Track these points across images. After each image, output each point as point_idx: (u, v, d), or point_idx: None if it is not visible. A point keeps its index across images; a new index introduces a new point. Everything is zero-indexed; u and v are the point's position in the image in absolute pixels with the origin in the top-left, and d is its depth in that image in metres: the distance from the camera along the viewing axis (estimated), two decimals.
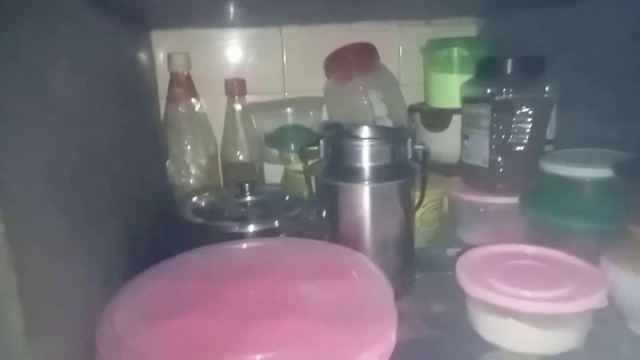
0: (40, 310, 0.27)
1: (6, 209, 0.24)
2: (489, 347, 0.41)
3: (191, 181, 0.70)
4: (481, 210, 0.62)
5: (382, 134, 0.52)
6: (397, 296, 0.35)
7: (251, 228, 0.50)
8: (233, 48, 0.78)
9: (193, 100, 0.71)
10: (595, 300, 0.39)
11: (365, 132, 0.52)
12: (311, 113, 0.75)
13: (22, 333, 0.25)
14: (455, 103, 0.70)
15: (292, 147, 0.72)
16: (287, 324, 0.32)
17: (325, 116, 0.77)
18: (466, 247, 0.50)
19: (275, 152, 0.74)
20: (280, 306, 0.34)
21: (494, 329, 0.42)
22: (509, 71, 0.61)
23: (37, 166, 0.30)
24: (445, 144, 0.72)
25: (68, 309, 0.32)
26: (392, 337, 0.32)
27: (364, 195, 0.48)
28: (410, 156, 0.50)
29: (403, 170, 0.49)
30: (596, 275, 0.42)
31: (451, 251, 0.61)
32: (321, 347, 0.29)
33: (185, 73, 0.70)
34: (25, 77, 0.30)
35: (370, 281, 0.37)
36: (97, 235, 0.40)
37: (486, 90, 0.61)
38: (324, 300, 0.36)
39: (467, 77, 0.68)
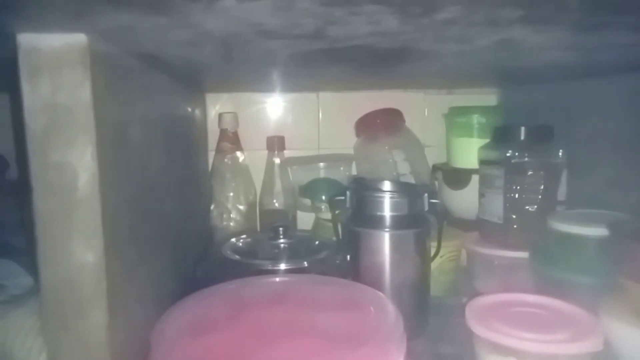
0: (118, 311, 0.34)
1: (105, 232, 0.32)
2: None
3: (231, 224, 0.78)
4: (495, 262, 0.66)
5: (401, 188, 0.58)
6: (411, 337, 0.38)
7: (282, 266, 0.56)
8: (275, 109, 0.88)
9: (238, 153, 0.81)
10: (591, 344, 0.42)
11: (386, 186, 0.59)
12: (342, 168, 0.83)
13: (106, 327, 0.32)
14: (474, 164, 0.75)
15: (323, 197, 0.78)
16: (304, 344, 0.36)
17: (354, 171, 0.85)
18: (475, 295, 0.54)
19: (307, 201, 0.81)
20: (300, 329, 0.39)
21: None
22: (521, 137, 0.67)
23: (123, 202, 0.38)
24: (465, 201, 0.78)
25: (135, 314, 0.39)
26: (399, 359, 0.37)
27: (384, 241, 0.54)
28: (426, 209, 0.56)
29: (419, 220, 0.55)
30: (592, 322, 0.46)
31: (466, 300, 0.65)
32: None
33: (233, 130, 0.80)
34: (114, 133, 0.38)
35: (383, 314, 0.42)
36: (155, 261, 0.48)
37: (501, 154, 0.67)
38: (340, 327, 0.40)
39: (484, 141, 0.74)
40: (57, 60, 0.31)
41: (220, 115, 0.81)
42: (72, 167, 0.32)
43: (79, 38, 0.31)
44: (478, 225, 0.72)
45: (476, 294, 0.66)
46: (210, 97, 0.85)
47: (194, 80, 0.69)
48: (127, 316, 0.37)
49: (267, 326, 0.40)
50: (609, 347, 0.45)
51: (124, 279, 0.37)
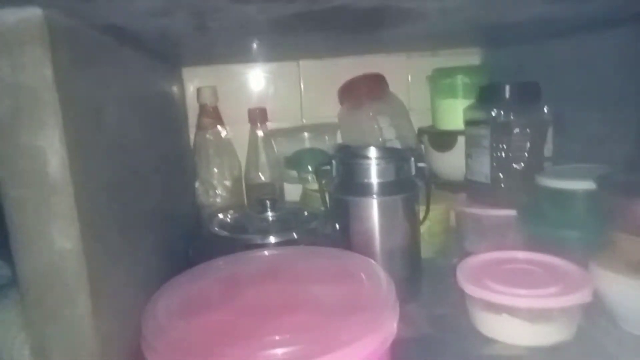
0: (103, 297, 0.34)
1: (81, 217, 0.31)
2: (487, 341, 0.46)
3: (218, 200, 0.77)
4: (484, 222, 0.67)
5: (387, 154, 0.57)
6: (404, 301, 0.38)
7: (272, 239, 0.55)
8: (255, 81, 0.86)
9: (219, 128, 0.79)
10: (580, 296, 0.43)
11: (372, 152, 0.58)
12: (326, 137, 0.81)
13: (91, 314, 0.31)
14: (460, 125, 0.74)
15: (309, 168, 0.78)
16: (299, 317, 0.36)
17: (339, 140, 0.84)
18: (466, 255, 0.55)
19: (294, 173, 0.80)
20: (294, 303, 0.39)
21: (490, 325, 0.46)
22: (507, 96, 0.66)
23: (100, 186, 0.37)
24: (452, 163, 0.77)
25: (121, 299, 0.38)
26: (393, 326, 0.37)
27: (373, 208, 0.54)
28: (413, 173, 0.56)
29: (407, 185, 0.55)
30: (582, 275, 0.46)
31: (457, 261, 0.66)
32: (328, 332, 0.34)
33: (213, 104, 0.78)
34: (85, 113, 0.36)
35: (376, 281, 0.42)
36: (141, 243, 0.47)
37: (486, 114, 0.66)
38: (334, 297, 0.40)
39: (469, 102, 0.74)
40: (15, 38, 0.29)
41: (198, 90, 0.79)
42: (42, 151, 0.30)
43: (35, 12, 0.29)
44: (466, 187, 0.72)
45: (467, 254, 0.66)
46: (187, 72, 0.83)
47: (169, 55, 0.66)
48: (113, 301, 0.36)
49: (260, 302, 0.40)
50: (599, 298, 0.46)
51: (108, 264, 0.36)
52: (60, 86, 0.30)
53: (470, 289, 0.47)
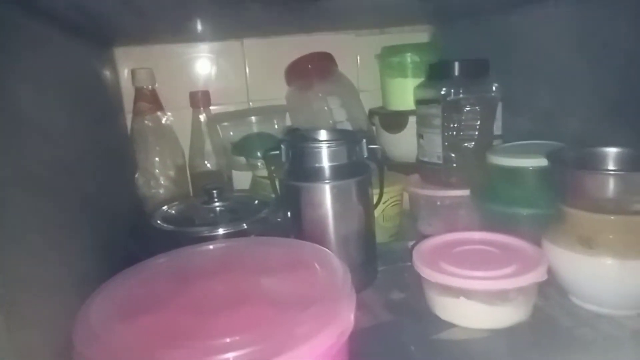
0: (19, 308, 0.29)
1: None
2: (445, 325, 0.45)
3: (161, 191, 0.72)
4: (438, 203, 0.66)
5: (339, 136, 0.55)
6: (361, 287, 0.37)
7: (220, 231, 0.52)
8: (196, 61, 0.81)
9: (159, 113, 0.73)
10: (535, 275, 0.43)
11: (322, 135, 0.56)
12: (275, 120, 0.78)
13: (4, 327, 0.27)
14: (411, 105, 0.74)
15: (259, 154, 0.74)
16: (250, 311, 0.34)
17: (288, 123, 0.80)
18: (421, 238, 0.53)
19: (242, 159, 0.76)
20: (245, 297, 0.36)
21: (447, 309, 0.45)
22: (456, 73, 0.65)
23: (13, 179, 0.32)
24: (404, 144, 0.76)
25: (45, 308, 0.34)
26: (350, 317, 0.35)
27: (325, 194, 0.51)
28: (365, 155, 0.53)
29: (360, 168, 0.53)
30: (537, 253, 0.46)
31: (412, 244, 0.65)
32: (282, 329, 0.31)
33: (150, 88, 0.73)
34: None
35: (330, 271, 0.39)
36: (71, 242, 0.42)
37: (437, 92, 0.65)
38: (287, 289, 0.38)
39: (419, 80, 0.73)
40: None
41: (133, 72, 0.73)
42: None
43: None
44: (418, 168, 0.71)
45: (422, 236, 0.66)
46: (120, 52, 0.76)
47: (95, 33, 0.60)
48: (36, 311, 0.32)
49: (208, 298, 0.37)
50: (552, 274, 0.46)
51: (26, 269, 0.31)
52: None
53: (426, 272, 0.45)
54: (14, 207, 0.31)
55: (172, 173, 0.73)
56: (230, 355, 0.29)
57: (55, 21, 0.46)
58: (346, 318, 0.34)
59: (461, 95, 0.64)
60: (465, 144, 0.64)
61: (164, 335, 0.32)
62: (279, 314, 0.33)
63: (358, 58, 0.87)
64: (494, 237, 0.50)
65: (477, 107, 0.64)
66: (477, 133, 0.64)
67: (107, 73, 0.70)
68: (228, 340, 0.30)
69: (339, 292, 0.36)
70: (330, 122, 0.72)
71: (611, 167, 0.49)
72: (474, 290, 0.43)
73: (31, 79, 0.40)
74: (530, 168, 0.54)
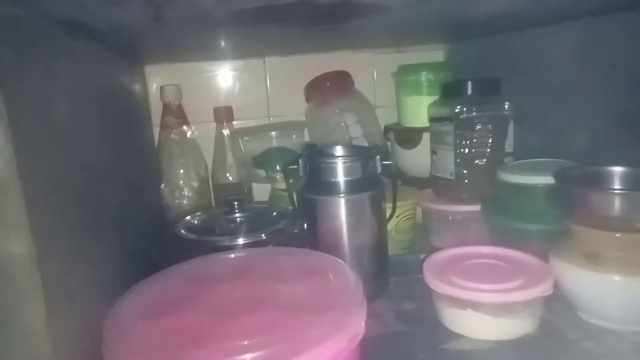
0: (57, 303, 0.32)
1: (31, 219, 0.30)
2: (453, 336, 0.47)
3: (184, 202, 0.76)
4: (450, 218, 0.68)
5: (353, 152, 0.58)
6: (373, 297, 0.39)
7: (240, 241, 0.54)
8: (220, 79, 0.85)
9: (184, 127, 0.77)
10: (541, 289, 0.44)
11: (338, 150, 0.58)
12: (294, 135, 0.81)
13: (44, 319, 0.30)
14: (425, 122, 0.75)
15: (277, 167, 0.77)
16: (267, 316, 0.36)
17: (307, 138, 0.83)
18: (432, 251, 0.55)
19: (262, 172, 0.79)
20: (261, 302, 0.38)
21: (456, 320, 0.47)
22: (469, 92, 0.67)
23: (51, 185, 0.35)
24: (417, 159, 0.78)
25: (78, 306, 0.37)
26: (360, 324, 0.37)
27: (340, 207, 0.54)
28: (379, 170, 0.56)
29: (373, 183, 0.55)
30: (544, 268, 0.48)
31: (424, 257, 0.67)
32: (297, 332, 0.34)
33: (177, 103, 0.76)
34: (34, 109, 0.34)
35: (343, 280, 0.42)
36: (99, 246, 0.45)
37: (450, 110, 0.67)
38: (301, 296, 0.40)
39: (434, 98, 0.75)
40: None
41: (161, 88, 0.77)
42: None
43: None
44: (431, 183, 0.73)
45: (433, 249, 0.67)
46: (150, 70, 0.80)
47: (127, 50, 0.64)
48: (70, 306, 0.35)
49: (227, 302, 0.39)
50: (561, 290, 0.47)
51: (62, 267, 0.34)
52: (4, 81, 0.29)
53: (435, 284, 0.47)
54: (54, 211, 0.35)
55: (195, 184, 0.77)
56: (248, 356, 0.31)
57: (93, 38, 0.49)
58: (357, 324, 0.36)
59: (474, 114, 0.66)
60: (477, 161, 0.66)
61: (186, 336, 0.34)
62: (293, 319, 0.35)
63: (375, 75, 0.90)
64: (502, 252, 0.51)
65: (489, 125, 0.66)
66: (488, 150, 0.66)
67: (137, 88, 0.74)
68: (246, 342, 0.33)
69: (350, 299, 0.38)
70: (347, 137, 0.75)
71: (617, 185, 0.50)
72: (481, 303, 0.44)
73: (69, 92, 0.43)
74: (540, 185, 0.56)
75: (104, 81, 0.58)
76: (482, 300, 0.44)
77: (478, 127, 0.66)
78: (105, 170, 0.52)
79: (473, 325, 0.46)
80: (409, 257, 0.68)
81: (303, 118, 0.84)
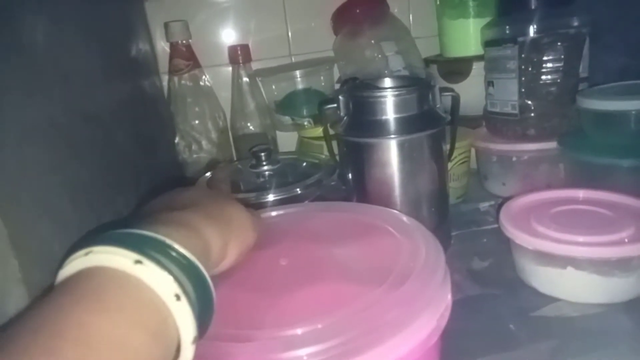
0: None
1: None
2: (546, 300, 0.38)
3: (203, 156, 0.67)
4: (513, 159, 0.58)
5: (407, 83, 0.47)
6: None
7: (271, 197, 0.46)
8: (233, 12, 0.73)
9: (196, 71, 0.67)
10: None
11: (387, 82, 0.48)
12: (322, 75, 0.70)
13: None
14: (474, 50, 0.66)
15: (305, 112, 0.67)
16: (325, 290, 0.29)
17: (337, 76, 0.73)
18: (504, 199, 0.46)
19: (287, 119, 0.69)
20: (317, 273, 0.31)
21: (549, 280, 0.38)
22: (533, 6, 0.56)
23: (27, 128, 0.26)
24: (467, 95, 0.66)
25: None
26: (447, 298, 0.29)
27: (392, 150, 0.44)
28: (439, 105, 0.46)
29: (432, 120, 0.45)
30: None
31: (484, 206, 0.58)
32: (369, 313, 0.25)
33: (185, 42, 0.66)
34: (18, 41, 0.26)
35: (415, 240, 0.33)
36: (105, 213, 0.37)
37: (511, 30, 0.56)
38: (365, 261, 0.32)
39: (485, 20, 0.64)
40: None
41: (166, 26, 0.66)
42: None
43: None
44: (487, 120, 0.63)
45: (494, 198, 0.58)
46: (151, 6, 0.69)
47: None
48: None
49: (272, 274, 0.32)
50: None
51: (52, 246, 0.26)
52: None
53: (522, 238, 0.38)
54: (31, 165, 0.26)
55: (213, 136, 0.67)
56: (312, 349, 0.23)
57: None
58: (443, 300, 0.28)
59: (541, 32, 0.55)
60: (547, 89, 0.56)
61: (227, 322, 0.26)
62: (360, 295, 0.27)
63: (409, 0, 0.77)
64: (599, 196, 0.42)
65: (561, 44, 0.54)
66: (560, 76, 0.55)
67: (138, 28, 0.64)
68: (299, 331, 0.24)
69: (434, 264, 0.30)
70: (386, 72, 0.64)
71: None
72: (588, 259, 0.35)
73: (48, 18, 0.34)
74: (634, 112, 0.46)
75: (101, 19, 0.48)
76: (589, 256, 0.35)
77: (547, 48, 0.54)
78: (109, 120, 0.43)
79: (575, 286, 0.37)
80: (466, 206, 0.59)
81: (331, 54, 0.73)
